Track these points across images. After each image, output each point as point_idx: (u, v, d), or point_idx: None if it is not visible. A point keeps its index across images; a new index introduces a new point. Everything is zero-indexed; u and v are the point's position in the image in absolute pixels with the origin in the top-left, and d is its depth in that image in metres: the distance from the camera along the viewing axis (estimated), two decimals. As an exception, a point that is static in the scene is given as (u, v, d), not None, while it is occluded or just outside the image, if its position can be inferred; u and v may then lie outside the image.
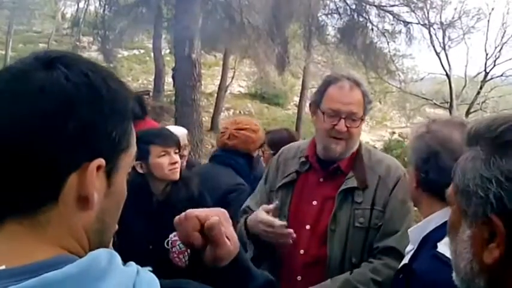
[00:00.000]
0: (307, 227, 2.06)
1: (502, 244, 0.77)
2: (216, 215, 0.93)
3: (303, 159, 2.17)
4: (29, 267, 0.59)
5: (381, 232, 2.00)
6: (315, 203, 2.09)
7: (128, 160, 0.72)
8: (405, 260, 1.62)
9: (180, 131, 3.22)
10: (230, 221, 0.98)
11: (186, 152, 3.44)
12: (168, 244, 2.31)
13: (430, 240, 1.48)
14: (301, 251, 2.04)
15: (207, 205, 2.52)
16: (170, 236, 2.32)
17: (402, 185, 2.04)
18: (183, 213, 0.96)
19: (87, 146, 0.64)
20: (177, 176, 2.40)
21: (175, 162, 2.37)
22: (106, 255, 0.62)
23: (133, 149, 0.74)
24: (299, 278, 2.04)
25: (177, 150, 2.42)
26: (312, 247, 2.04)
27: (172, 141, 2.41)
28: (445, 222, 1.36)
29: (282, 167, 2.23)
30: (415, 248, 1.57)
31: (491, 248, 0.79)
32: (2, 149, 0.60)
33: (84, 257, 0.61)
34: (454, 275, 0.92)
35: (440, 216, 1.50)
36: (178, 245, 2.31)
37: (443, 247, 1.29)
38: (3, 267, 0.59)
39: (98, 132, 0.65)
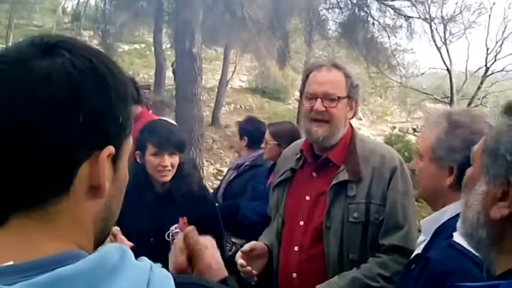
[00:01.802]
0: (301, 223, 2.04)
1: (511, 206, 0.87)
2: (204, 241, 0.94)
3: (298, 155, 2.15)
4: (39, 263, 0.57)
5: (384, 227, 1.95)
6: (307, 198, 2.06)
7: (129, 144, 0.71)
8: (418, 250, 1.61)
9: None
10: (216, 248, 1.00)
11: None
12: (169, 237, 2.33)
13: (445, 230, 1.47)
14: (296, 248, 2.02)
15: (206, 200, 2.53)
16: (171, 228, 2.33)
17: (401, 176, 1.99)
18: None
19: (98, 135, 0.62)
20: (165, 179, 2.36)
21: (165, 166, 2.32)
22: (118, 251, 0.61)
23: (132, 130, 0.72)
24: (294, 275, 2.02)
25: (175, 152, 2.37)
26: (306, 244, 2.02)
27: (168, 145, 2.33)
28: (459, 213, 1.38)
29: (281, 166, 2.23)
30: (428, 239, 1.56)
31: (500, 206, 0.88)
32: (10, 141, 0.58)
33: (91, 251, 0.60)
34: (458, 225, 1.01)
35: (456, 207, 1.50)
36: (179, 237, 2.33)
37: (459, 237, 1.30)
38: (11, 262, 0.57)
39: (106, 120, 0.63)
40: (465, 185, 1.01)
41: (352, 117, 2.11)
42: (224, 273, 0.94)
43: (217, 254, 0.96)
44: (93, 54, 0.64)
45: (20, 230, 0.60)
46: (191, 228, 0.93)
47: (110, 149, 0.64)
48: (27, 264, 0.57)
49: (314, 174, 2.09)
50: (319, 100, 2.00)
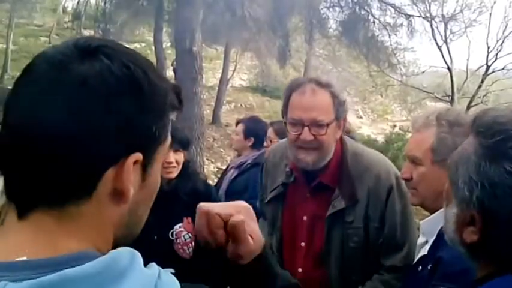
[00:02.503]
0: (302, 244, 2.00)
1: (478, 234, 0.91)
2: (239, 212, 0.89)
3: (288, 171, 2.04)
4: (51, 261, 0.58)
5: (385, 249, 1.92)
6: (305, 218, 2.00)
7: (164, 151, 0.70)
8: (423, 252, 1.59)
9: None
10: (254, 217, 0.94)
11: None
12: (172, 235, 2.33)
13: None
14: (300, 270, 1.99)
15: (211, 198, 2.54)
16: (175, 227, 2.34)
17: (398, 193, 1.90)
18: (203, 209, 0.92)
19: (126, 141, 0.62)
20: (170, 176, 2.36)
21: (170, 162, 2.33)
22: (127, 255, 0.60)
23: (169, 139, 0.72)
24: (300, 270, 2.00)
25: (180, 149, 2.38)
26: (309, 266, 1.99)
27: (172, 141, 2.34)
28: None
29: (271, 174, 2.15)
30: (433, 239, 1.54)
31: (470, 231, 0.92)
32: (41, 140, 0.58)
33: (106, 254, 0.60)
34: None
35: None
36: (183, 236, 2.33)
37: None
38: (24, 258, 0.58)
39: (137, 127, 0.63)
40: (444, 197, 1.04)
41: (341, 133, 1.99)
42: (260, 248, 0.91)
43: (253, 225, 0.92)
44: (132, 60, 0.64)
45: (38, 225, 0.61)
46: (240, 218, 0.87)
47: (137, 156, 0.64)
48: (39, 261, 0.57)
49: (308, 195, 2.00)
50: (306, 128, 1.84)
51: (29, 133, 0.59)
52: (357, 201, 1.90)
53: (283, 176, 2.05)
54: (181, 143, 2.38)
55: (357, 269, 1.93)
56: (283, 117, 1.98)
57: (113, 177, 0.62)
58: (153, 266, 0.63)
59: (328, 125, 1.85)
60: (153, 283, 0.60)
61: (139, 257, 0.62)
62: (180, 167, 2.39)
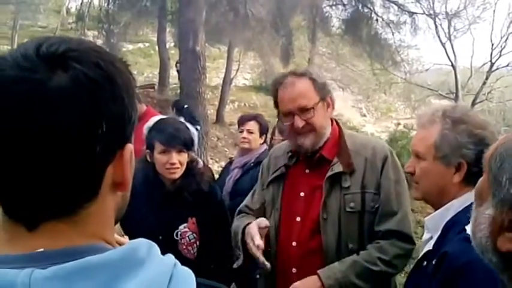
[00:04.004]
0: (298, 219, 2.06)
1: None
2: None
3: (290, 153, 2.17)
4: (71, 251, 0.60)
5: (379, 215, 1.99)
6: (302, 194, 2.08)
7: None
8: (428, 247, 1.61)
9: None
10: None
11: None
12: (177, 235, 2.34)
13: (456, 224, 1.47)
14: (294, 243, 2.04)
15: (216, 198, 2.54)
16: (180, 227, 2.35)
17: (392, 164, 2.03)
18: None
19: (119, 137, 0.65)
20: (174, 177, 2.37)
21: (173, 163, 2.34)
22: (146, 245, 0.63)
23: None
24: (294, 270, 2.04)
25: (183, 150, 2.38)
26: (304, 238, 2.03)
27: (175, 142, 2.35)
28: (466, 207, 1.34)
29: (273, 164, 2.24)
30: (437, 235, 1.56)
31: (508, 237, 0.79)
32: (42, 158, 0.59)
33: (115, 245, 0.63)
34: (470, 233, 0.92)
35: (459, 203, 1.51)
36: (187, 236, 2.34)
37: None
38: (41, 249, 0.60)
39: (124, 121, 0.65)
40: (476, 196, 0.94)
41: (332, 111, 2.13)
42: None
43: None
44: (98, 57, 0.64)
45: (51, 232, 0.62)
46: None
47: (131, 147, 0.67)
48: (59, 251, 0.60)
49: (307, 170, 2.11)
50: (296, 117, 2.02)
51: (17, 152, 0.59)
52: (354, 170, 2.02)
53: (286, 160, 2.18)
54: (185, 144, 2.38)
55: (353, 236, 1.99)
56: (278, 114, 2.17)
57: (112, 171, 0.65)
58: (170, 256, 0.66)
59: (313, 107, 2.02)
60: (169, 271, 0.63)
61: (156, 247, 0.64)
62: (184, 167, 2.39)
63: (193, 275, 0.66)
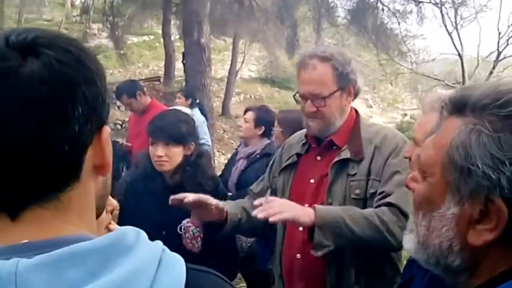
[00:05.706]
0: (306, 205, 2.03)
1: (499, 229, 0.73)
2: None
3: (303, 140, 2.18)
4: (56, 241, 0.60)
5: (379, 195, 1.96)
6: (312, 181, 2.09)
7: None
8: None
9: None
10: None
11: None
12: (181, 230, 2.34)
13: None
14: (300, 228, 2.03)
15: (218, 193, 2.53)
16: (183, 221, 2.34)
17: (399, 155, 1.96)
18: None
19: (95, 120, 0.65)
20: (162, 169, 2.40)
21: (159, 156, 2.36)
22: (133, 232, 0.64)
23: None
24: (298, 256, 2.05)
25: (171, 143, 2.38)
26: None
27: (160, 135, 2.37)
28: None
29: (287, 152, 2.26)
30: None
31: (480, 230, 0.75)
32: (19, 144, 0.59)
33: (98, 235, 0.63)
34: (409, 247, 0.87)
35: None
36: (191, 230, 2.33)
37: None
38: (25, 241, 0.59)
39: (99, 103, 0.65)
40: (419, 205, 0.85)
41: (354, 99, 2.11)
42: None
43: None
44: (68, 43, 0.65)
45: (35, 220, 0.62)
46: None
47: (107, 129, 0.68)
48: (44, 242, 0.59)
49: (318, 157, 2.12)
50: (309, 102, 2.03)
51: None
52: (362, 159, 2.01)
53: (299, 149, 2.18)
54: (173, 138, 2.38)
55: None
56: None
57: (92, 154, 0.65)
58: (158, 242, 0.66)
59: (328, 97, 2.00)
60: (158, 256, 0.63)
61: (144, 234, 0.65)
62: (175, 160, 2.40)
63: (182, 260, 0.66)
